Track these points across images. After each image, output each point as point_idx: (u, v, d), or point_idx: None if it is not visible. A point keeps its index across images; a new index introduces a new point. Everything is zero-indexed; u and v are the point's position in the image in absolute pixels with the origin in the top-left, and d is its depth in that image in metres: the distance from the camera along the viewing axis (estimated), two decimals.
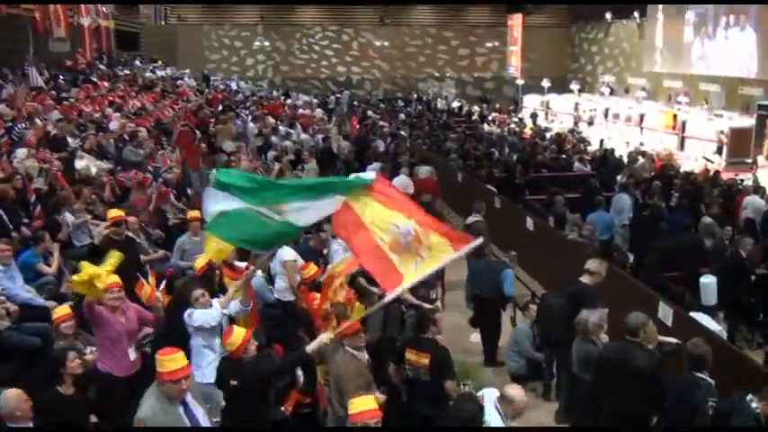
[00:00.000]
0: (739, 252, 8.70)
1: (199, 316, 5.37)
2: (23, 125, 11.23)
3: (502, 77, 38.13)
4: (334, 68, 37.65)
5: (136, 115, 15.43)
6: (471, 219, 10.42)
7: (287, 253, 7.29)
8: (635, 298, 7.69)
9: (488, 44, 38.28)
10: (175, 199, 10.39)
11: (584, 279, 6.82)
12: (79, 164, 10.24)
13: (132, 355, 5.46)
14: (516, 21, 35.88)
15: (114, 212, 7.09)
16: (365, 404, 4.20)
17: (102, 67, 22.83)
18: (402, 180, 12.79)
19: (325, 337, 4.98)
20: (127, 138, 11.75)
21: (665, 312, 7.13)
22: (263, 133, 16.42)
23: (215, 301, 5.48)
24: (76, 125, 12.71)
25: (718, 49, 26.85)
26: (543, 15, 37.28)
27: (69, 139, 11.35)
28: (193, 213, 8.03)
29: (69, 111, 13.94)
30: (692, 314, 6.99)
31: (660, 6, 29.83)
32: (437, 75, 38.55)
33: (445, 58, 38.39)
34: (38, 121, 11.93)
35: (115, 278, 5.33)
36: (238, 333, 4.84)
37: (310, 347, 4.97)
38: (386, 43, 37.81)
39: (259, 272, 7.77)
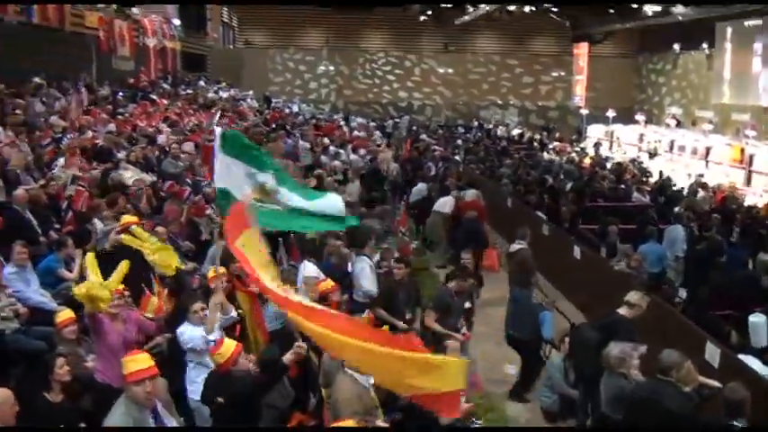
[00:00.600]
0: None
1: (190, 338, 5.21)
2: (72, 136, 11.42)
3: (566, 107, 37.46)
4: (396, 93, 37.72)
5: (191, 132, 15.63)
6: (515, 246, 9.99)
7: (309, 269, 7.07)
8: (681, 336, 7.18)
9: (554, 73, 37.74)
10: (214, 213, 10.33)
11: (622, 311, 6.38)
12: (122, 175, 10.35)
13: None
14: (582, 50, 35.25)
15: (126, 219, 7.02)
16: None
17: (165, 86, 23.37)
18: (445, 199, 12.76)
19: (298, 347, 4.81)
20: (167, 150, 11.84)
21: (712, 353, 6.58)
22: (314, 152, 16.45)
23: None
24: (128, 138, 12.91)
25: None
26: (609, 45, 36.59)
27: (121, 153, 11.52)
28: None
29: (123, 125, 14.21)
30: (741, 356, 6.42)
31: (728, 36, 28.79)
32: (500, 102, 38.18)
33: (508, 86, 38.02)
34: (89, 132, 12.15)
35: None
36: (228, 345, 4.63)
37: (286, 357, 4.74)
38: (449, 70, 37.70)
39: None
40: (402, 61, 37.56)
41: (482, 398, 7.12)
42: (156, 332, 5.68)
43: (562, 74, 37.45)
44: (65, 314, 5.37)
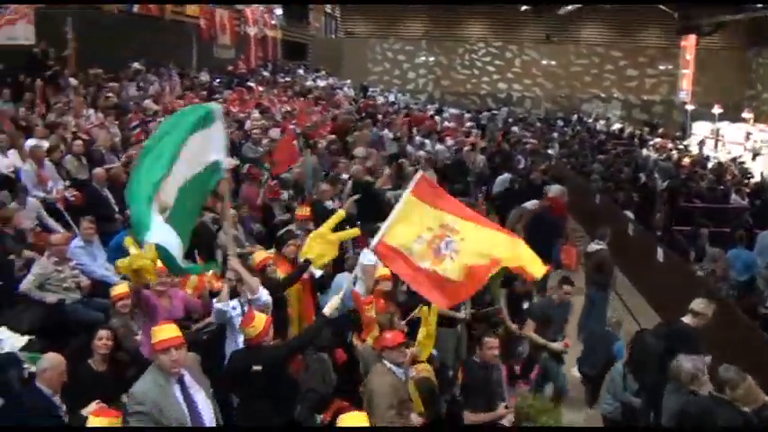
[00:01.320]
0: None
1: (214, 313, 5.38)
2: (162, 120, 11.87)
3: (671, 101, 35.70)
4: (495, 85, 37.11)
5: (283, 118, 15.95)
6: (594, 246, 9.60)
7: (367, 257, 7.05)
8: (755, 351, 6.72)
9: (660, 66, 36.04)
10: (292, 199, 10.47)
11: (687, 319, 6.08)
12: None
13: None
14: (689, 42, 33.43)
15: None
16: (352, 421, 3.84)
17: (265, 73, 23.95)
18: (535, 201, 12.31)
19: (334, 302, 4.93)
20: (249, 134, 12.13)
21: None
22: (399, 141, 16.41)
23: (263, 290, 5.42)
24: None
25: None
26: (718, 38, 34.57)
27: None
28: (301, 211, 8.03)
29: None
30: None
31: None
32: (603, 96, 36.85)
33: (612, 79, 36.63)
34: None
35: None
36: (260, 318, 4.69)
37: (326, 310, 4.87)
38: (552, 62, 36.72)
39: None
40: (503, 52, 36.89)
41: (536, 399, 6.91)
42: (203, 311, 5.83)
43: (669, 67, 35.70)
44: (120, 288, 5.59)
